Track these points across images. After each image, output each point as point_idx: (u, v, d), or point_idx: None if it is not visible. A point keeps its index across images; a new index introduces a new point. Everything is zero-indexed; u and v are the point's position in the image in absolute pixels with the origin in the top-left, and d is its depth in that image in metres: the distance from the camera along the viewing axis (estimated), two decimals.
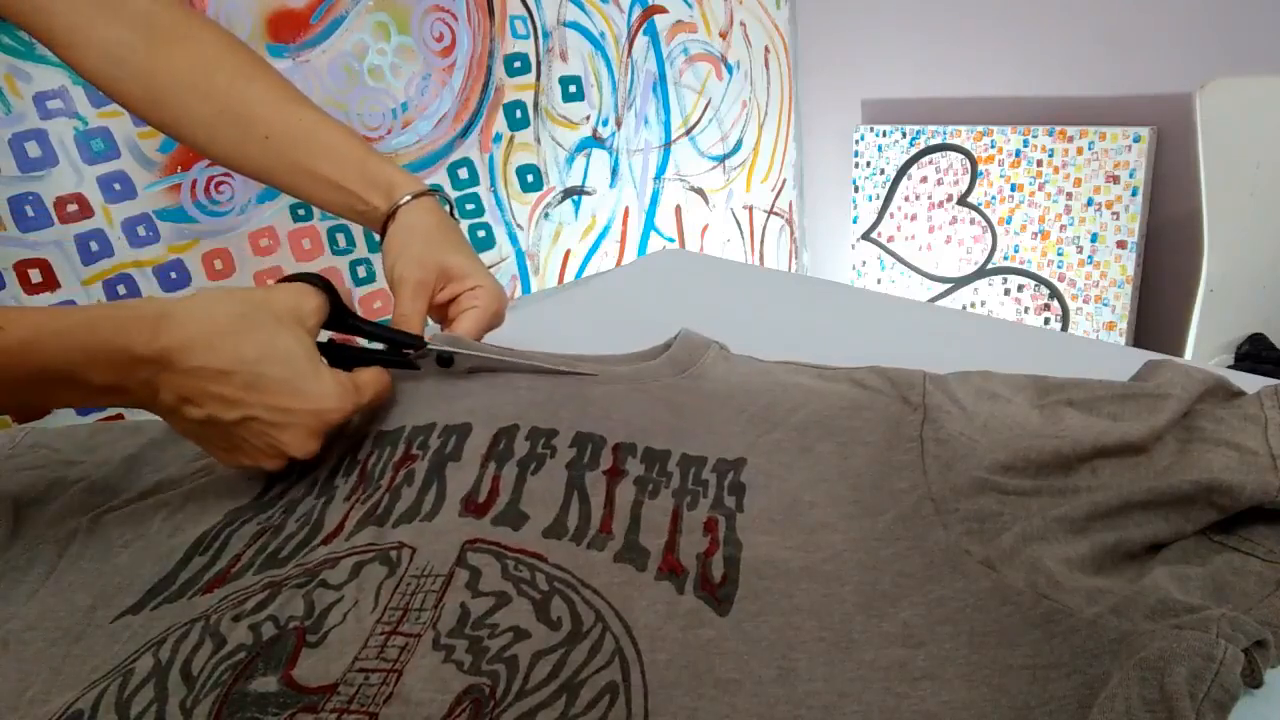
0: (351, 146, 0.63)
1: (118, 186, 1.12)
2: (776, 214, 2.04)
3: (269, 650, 0.33)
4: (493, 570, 0.37)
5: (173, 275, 1.19)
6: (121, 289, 1.15)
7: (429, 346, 0.54)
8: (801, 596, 0.35)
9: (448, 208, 0.65)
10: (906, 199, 1.76)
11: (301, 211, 1.29)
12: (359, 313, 0.53)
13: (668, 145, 1.78)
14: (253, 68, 0.63)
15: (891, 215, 1.80)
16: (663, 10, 1.69)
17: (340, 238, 1.34)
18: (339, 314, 0.50)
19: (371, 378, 0.49)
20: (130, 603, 0.39)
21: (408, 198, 0.61)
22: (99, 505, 0.47)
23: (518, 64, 1.50)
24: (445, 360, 0.55)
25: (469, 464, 0.43)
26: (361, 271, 1.38)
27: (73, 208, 1.09)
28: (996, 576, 0.34)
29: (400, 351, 0.55)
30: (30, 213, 1.06)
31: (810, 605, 0.35)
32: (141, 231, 1.15)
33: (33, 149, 1.05)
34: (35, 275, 1.08)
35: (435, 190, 0.64)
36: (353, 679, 0.31)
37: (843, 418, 0.47)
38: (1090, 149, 1.45)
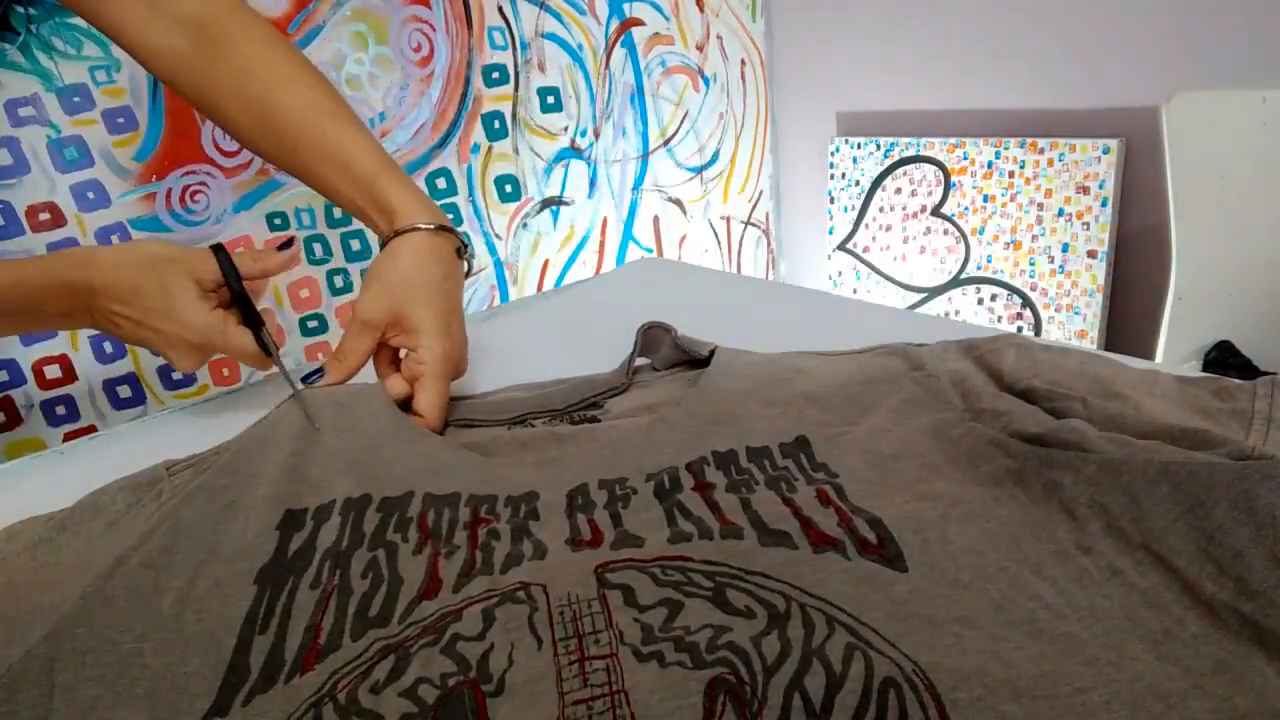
0: (367, 165, 0.62)
1: (91, 195, 1.11)
2: (754, 225, 2.06)
3: (446, 712, 0.30)
4: (643, 582, 0.34)
5: None
6: None
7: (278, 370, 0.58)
8: (958, 539, 0.35)
9: (460, 247, 0.62)
10: (881, 210, 1.78)
11: (278, 221, 1.28)
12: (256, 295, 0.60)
13: (645, 156, 1.79)
14: (286, 76, 0.64)
15: (866, 226, 1.82)
16: (640, 23, 1.70)
17: (317, 247, 1.33)
18: (237, 278, 0.58)
19: (242, 339, 0.57)
20: (205, 705, 0.33)
21: (405, 229, 0.59)
22: (60, 629, 0.37)
23: (496, 75, 1.50)
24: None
25: (555, 518, 0.41)
26: (339, 281, 1.37)
27: (44, 216, 1.08)
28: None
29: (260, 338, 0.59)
30: (0, 221, 1.05)
31: (973, 544, 0.35)
32: (115, 241, 1.13)
33: (3, 157, 1.04)
34: None
35: (447, 229, 0.61)
36: (576, 713, 0.29)
37: (873, 388, 0.48)
38: (1061, 160, 1.48)
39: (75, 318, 0.57)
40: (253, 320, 0.58)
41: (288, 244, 0.61)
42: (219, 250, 0.58)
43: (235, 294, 0.58)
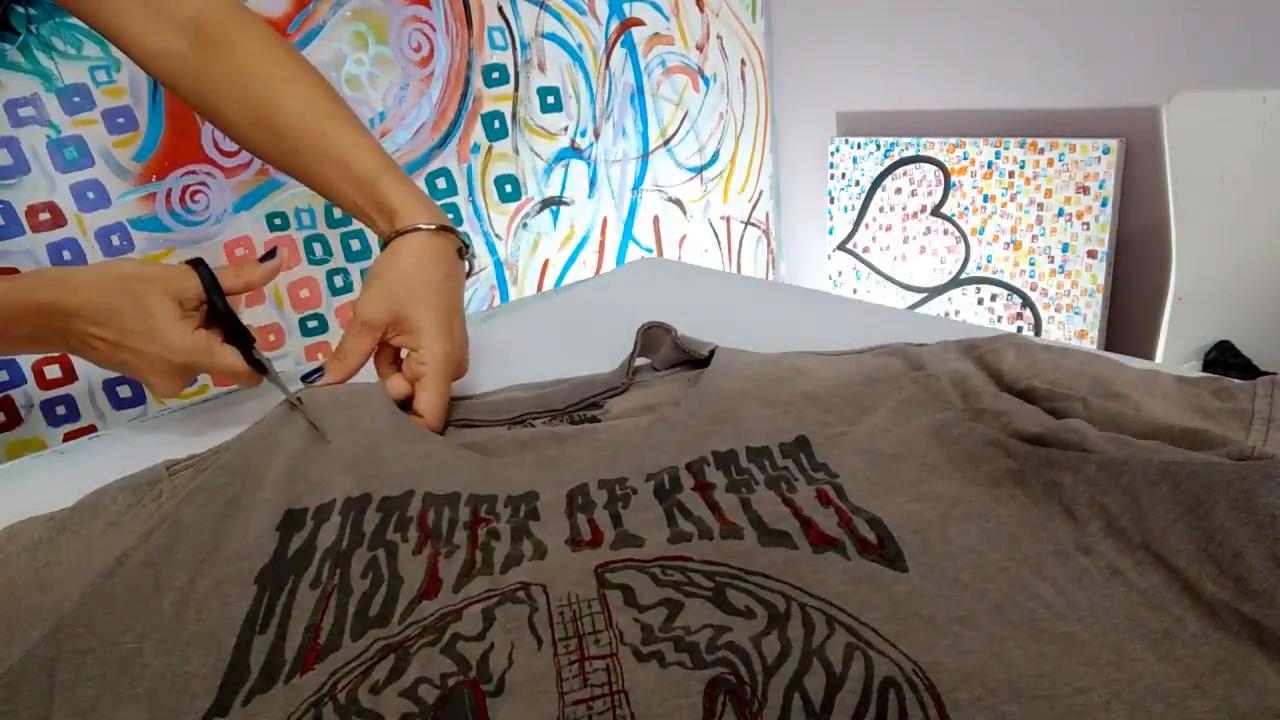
0: (367, 165, 0.61)
1: (91, 195, 1.11)
2: (754, 225, 2.06)
3: (446, 712, 0.30)
4: (643, 582, 0.34)
5: None
6: None
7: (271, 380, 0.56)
8: (958, 539, 0.35)
9: (462, 248, 0.62)
10: (881, 210, 1.78)
11: (278, 221, 1.28)
12: (239, 306, 0.59)
13: (645, 156, 1.79)
14: (285, 77, 0.63)
15: (866, 226, 1.82)
16: (640, 23, 1.70)
17: (317, 247, 1.33)
18: (221, 294, 0.56)
19: (229, 357, 0.55)
20: (206, 705, 0.32)
21: (407, 229, 0.59)
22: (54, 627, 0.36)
23: (496, 75, 1.50)
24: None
25: (555, 518, 0.41)
26: (339, 281, 1.37)
27: (44, 216, 1.08)
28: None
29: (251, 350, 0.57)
30: (0, 221, 1.05)
31: (973, 544, 0.35)
32: (115, 241, 1.14)
33: (3, 157, 1.04)
34: None
35: (448, 229, 0.60)
36: (576, 713, 0.29)
37: (873, 388, 0.48)
38: (1061, 160, 1.48)
39: (47, 341, 0.54)
40: (239, 337, 0.56)
41: (270, 254, 0.61)
42: (199, 265, 0.55)
43: (219, 310, 0.56)
